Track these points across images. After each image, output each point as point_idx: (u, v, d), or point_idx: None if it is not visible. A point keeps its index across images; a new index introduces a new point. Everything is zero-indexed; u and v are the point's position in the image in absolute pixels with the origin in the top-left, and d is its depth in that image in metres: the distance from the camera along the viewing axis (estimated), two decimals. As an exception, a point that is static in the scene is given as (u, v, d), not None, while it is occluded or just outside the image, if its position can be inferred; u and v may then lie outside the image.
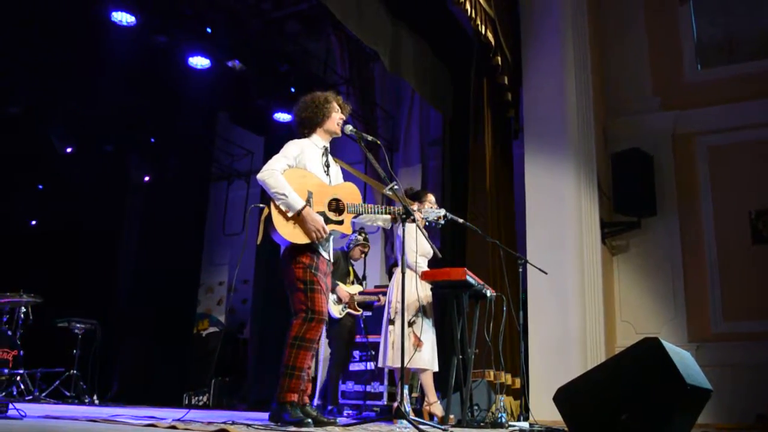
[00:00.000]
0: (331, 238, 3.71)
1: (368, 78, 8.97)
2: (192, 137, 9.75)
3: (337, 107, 3.81)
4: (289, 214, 3.47)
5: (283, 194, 3.45)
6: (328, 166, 3.77)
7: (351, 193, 3.73)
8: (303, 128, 3.78)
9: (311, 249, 3.53)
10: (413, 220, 3.89)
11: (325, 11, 6.38)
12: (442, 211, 4.17)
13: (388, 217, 3.90)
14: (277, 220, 3.47)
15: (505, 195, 7.19)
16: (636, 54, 7.77)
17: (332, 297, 5.97)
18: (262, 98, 8.31)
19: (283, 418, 3.36)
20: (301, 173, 3.58)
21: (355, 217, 3.74)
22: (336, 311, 5.94)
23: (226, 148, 10.32)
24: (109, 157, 9.72)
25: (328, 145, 3.82)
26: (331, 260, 3.72)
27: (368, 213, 3.76)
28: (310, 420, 3.34)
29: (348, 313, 6.02)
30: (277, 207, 3.48)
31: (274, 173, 3.49)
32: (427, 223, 4.19)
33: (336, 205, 3.63)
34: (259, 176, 3.53)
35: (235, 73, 7.90)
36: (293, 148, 3.65)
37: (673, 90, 7.57)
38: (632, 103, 7.63)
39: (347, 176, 3.96)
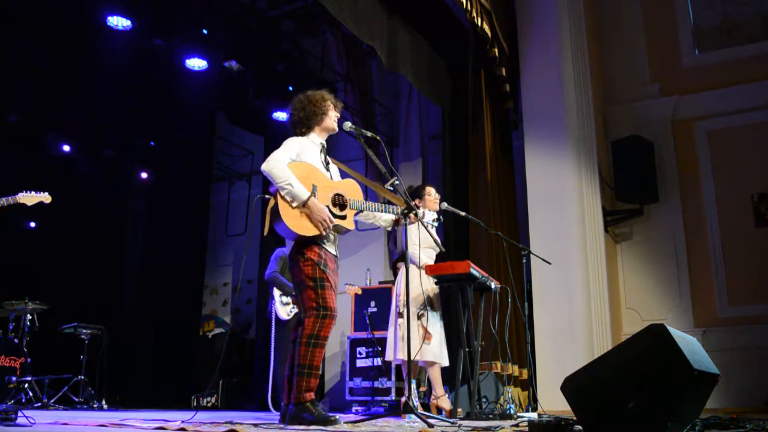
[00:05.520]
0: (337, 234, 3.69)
1: (366, 74, 8.94)
2: (192, 139, 9.75)
3: (332, 105, 3.81)
4: (294, 205, 3.43)
5: (289, 184, 3.41)
6: (327, 163, 3.77)
7: (353, 190, 3.72)
8: (300, 127, 3.76)
9: (318, 245, 3.50)
10: (416, 215, 3.88)
11: (320, 9, 6.37)
12: (434, 214, 4.16)
13: (391, 217, 3.91)
14: (284, 210, 3.42)
15: (507, 186, 7.19)
16: (633, 40, 7.75)
17: (280, 298, 6.00)
18: (260, 98, 8.30)
19: (305, 418, 3.27)
20: (305, 167, 3.56)
21: (356, 214, 3.74)
22: (284, 312, 5.96)
23: (226, 148, 10.32)
24: (110, 161, 9.73)
25: (324, 142, 3.82)
26: (338, 256, 3.69)
27: (370, 210, 3.76)
28: (337, 416, 3.31)
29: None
30: (282, 197, 3.44)
31: (279, 163, 3.46)
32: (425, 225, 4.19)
33: (339, 200, 3.62)
34: (263, 166, 3.48)
35: (233, 73, 7.89)
36: (294, 145, 3.63)
37: (671, 75, 7.55)
38: (631, 89, 7.61)
39: (345, 177, 3.94)
